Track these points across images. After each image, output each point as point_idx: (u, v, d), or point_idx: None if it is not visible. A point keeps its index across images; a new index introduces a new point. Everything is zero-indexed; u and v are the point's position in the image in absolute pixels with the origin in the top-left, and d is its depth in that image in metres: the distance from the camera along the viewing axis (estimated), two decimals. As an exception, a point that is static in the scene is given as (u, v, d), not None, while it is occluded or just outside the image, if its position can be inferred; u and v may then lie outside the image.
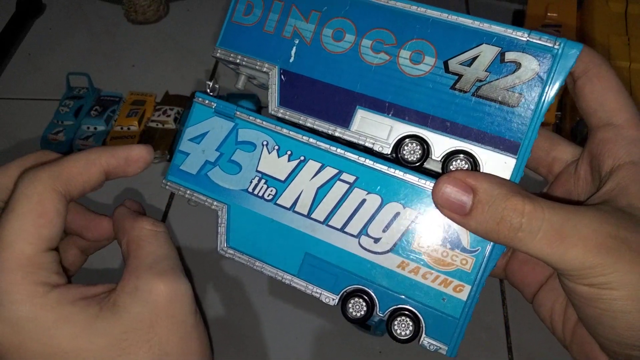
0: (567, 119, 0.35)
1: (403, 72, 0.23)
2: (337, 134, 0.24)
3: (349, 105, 0.24)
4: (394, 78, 0.23)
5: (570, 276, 0.19)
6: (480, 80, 0.22)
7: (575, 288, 0.20)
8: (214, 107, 0.26)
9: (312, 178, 0.24)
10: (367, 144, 0.23)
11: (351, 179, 0.23)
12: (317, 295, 0.24)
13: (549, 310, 0.25)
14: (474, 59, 0.22)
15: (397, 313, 0.23)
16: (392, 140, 0.23)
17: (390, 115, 0.23)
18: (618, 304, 0.19)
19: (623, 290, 0.18)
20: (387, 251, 0.23)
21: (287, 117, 0.25)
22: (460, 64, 0.22)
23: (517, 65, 0.22)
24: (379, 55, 0.24)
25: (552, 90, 0.21)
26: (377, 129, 0.23)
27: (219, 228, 0.25)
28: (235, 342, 0.34)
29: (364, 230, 0.23)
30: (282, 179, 0.24)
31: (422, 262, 0.22)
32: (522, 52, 0.22)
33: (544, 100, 0.21)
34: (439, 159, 0.22)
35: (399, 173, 0.23)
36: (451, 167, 0.22)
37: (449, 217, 0.21)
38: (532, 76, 0.21)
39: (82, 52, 0.54)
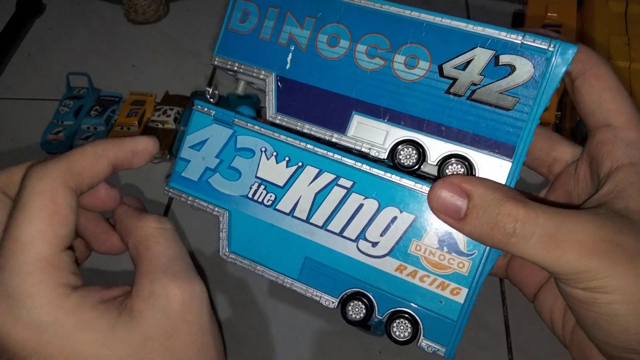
0: (567, 119, 0.35)
1: (398, 77, 0.23)
2: (334, 140, 0.24)
3: (345, 110, 0.24)
4: (389, 83, 0.23)
5: (566, 280, 0.20)
6: (475, 84, 0.22)
7: (571, 291, 0.20)
8: (213, 114, 0.26)
9: (310, 183, 0.24)
10: (363, 149, 0.24)
11: (348, 184, 0.24)
12: (317, 299, 0.24)
13: (549, 310, 0.25)
14: (468, 62, 0.22)
15: (395, 315, 0.23)
16: (388, 145, 0.23)
17: (386, 120, 0.23)
18: (613, 308, 0.19)
19: (617, 294, 0.18)
20: (385, 255, 0.23)
21: (284, 124, 0.25)
22: (454, 67, 0.22)
23: (512, 68, 0.22)
24: (373, 61, 0.24)
25: (547, 93, 0.21)
26: (373, 134, 0.24)
27: (221, 233, 0.25)
28: (236, 342, 0.35)
29: (362, 235, 0.23)
30: (281, 184, 0.25)
31: (419, 266, 0.23)
32: (517, 54, 0.22)
33: (539, 103, 0.21)
34: (435, 163, 0.23)
35: (395, 178, 0.23)
36: (447, 171, 0.22)
37: (444, 221, 0.21)
38: (527, 79, 0.21)
39: (82, 52, 0.54)
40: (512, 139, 0.22)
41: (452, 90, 0.22)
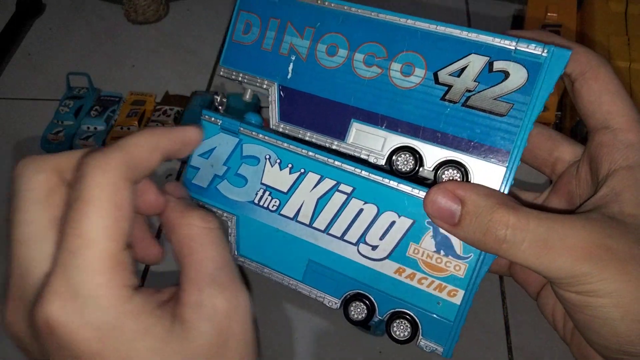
0: (567, 118, 0.34)
1: (395, 85, 0.24)
2: (334, 147, 0.25)
3: (344, 118, 0.25)
4: (386, 91, 0.24)
5: (559, 284, 0.20)
6: (470, 91, 0.22)
7: (564, 295, 0.20)
8: (219, 124, 0.27)
9: (312, 189, 0.25)
10: (362, 156, 0.24)
11: (349, 189, 0.24)
12: (321, 300, 0.25)
13: (551, 309, 0.25)
14: (463, 69, 0.22)
15: (395, 316, 0.24)
16: (386, 152, 0.24)
17: (383, 127, 0.24)
18: (604, 311, 0.19)
19: (608, 298, 0.19)
20: (385, 258, 0.24)
21: (287, 132, 0.26)
22: (449, 74, 0.23)
23: (506, 74, 0.22)
24: (371, 69, 0.24)
25: (541, 98, 0.21)
26: (372, 141, 0.24)
27: (230, 237, 0.27)
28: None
29: (362, 238, 0.24)
30: (285, 190, 0.26)
31: (417, 268, 0.23)
32: (510, 60, 0.22)
33: (533, 109, 0.21)
34: (431, 168, 0.23)
35: (393, 183, 0.24)
36: (443, 176, 0.23)
37: (439, 226, 0.22)
38: (521, 85, 0.22)
39: (82, 52, 0.54)
40: (506, 144, 0.22)
41: (447, 97, 0.23)
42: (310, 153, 0.25)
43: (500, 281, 0.33)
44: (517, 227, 0.19)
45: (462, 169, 0.23)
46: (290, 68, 0.26)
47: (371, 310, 0.24)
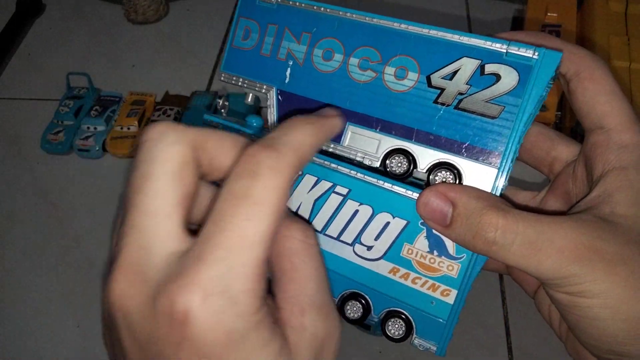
0: (567, 118, 0.34)
1: (388, 89, 0.24)
2: (330, 150, 0.25)
3: (340, 121, 0.25)
4: (381, 94, 0.24)
5: (549, 284, 0.20)
6: (462, 94, 0.23)
7: (555, 295, 0.20)
8: (219, 128, 0.28)
9: (309, 191, 0.26)
10: (357, 158, 0.25)
11: (344, 191, 0.25)
12: (318, 299, 0.26)
13: (547, 307, 0.25)
14: (455, 72, 0.23)
15: (390, 315, 0.24)
16: (380, 154, 0.24)
17: (378, 130, 0.24)
18: (593, 312, 0.19)
19: (597, 299, 0.19)
20: (379, 258, 0.24)
21: (285, 135, 0.27)
22: (442, 78, 0.23)
23: (497, 77, 0.22)
24: (365, 73, 0.25)
25: (532, 101, 0.22)
26: (367, 144, 0.25)
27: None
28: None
29: (357, 239, 0.25)
30: (283, 192, 0.26)
31: (411, 268, 0.24)
32: (502, 63, 0.22)
33: (524, 111, 0.22)
34: (425, 170, 0.24)
35: (387, 185, 0.24)
36: (436, 178, 0.23)
37: (432, 228, 0.23)
38: (512, 87, 0.22)
39: (82, 52, 0.54)
40: (497, 146, 0.22)
41: (440, 100, 0.23)
42: (307, 156, 0.26)
43: (500, 281, 0.33)
44: (506, 229, 0.20)
45: (455, 171, 0.23)
46: (288, 73, 0.27)
47: (366, 309, 0.25)
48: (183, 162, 0.18)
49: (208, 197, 0.20)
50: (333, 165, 0.25)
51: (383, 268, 0.24)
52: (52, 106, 0.49)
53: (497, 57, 0.22)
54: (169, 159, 0.18)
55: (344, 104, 0.25)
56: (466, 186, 0.22)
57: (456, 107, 0.23)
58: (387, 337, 0.24)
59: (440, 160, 0.23)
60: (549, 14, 0.36)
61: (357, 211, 0.25)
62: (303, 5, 0.26)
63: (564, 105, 0.35)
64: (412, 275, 0.24)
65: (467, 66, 0.23)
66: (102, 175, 0.46)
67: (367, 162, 0.25)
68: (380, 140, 0.24)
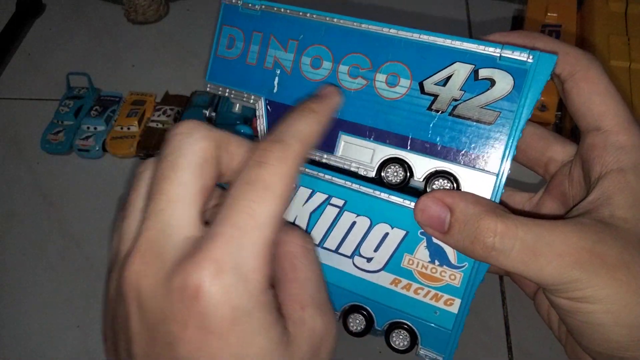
0: (567, 118, 0.34)
1: (380, 96, 0.24)
2: (323, 160, 0.25)
3: (333, 131, 0.25)
4: (373, 102, 0.24)
5: (550, 290, 0.20)
6: (456, 100, 0.22)
7: (556, 300, 0.20)
8: (209, 141, 0.27)
9: (304, 204, 0.25)
10: (352, 169, 0.24)
11: (340, 202, 0.24)
12: (319, 313, 0.25)
13: (546, 309, 0.25)
14: (448, 78, 0.22)
15: (394, 326, 0.24)
16: (375, 164, 0.24)
17: (371, 139, 0.24)
18: (595, 317, 0.19)
19: (599, 304, 0.19)
20: (380, 270, 0.24)
21: (276, 146, 0.26)
22: (435, 84, 0.22)
23: (492, 82, 0.22)
24: (356, 81, 0.24)
25: (528, 105, 0.21)
26: (361, 153, 0.24)
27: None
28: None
29: (356, 251, 0.24)
30: (278, 206, 0.26)
31: (413, 279, 0.23)
32: (496, 68, 0.21)
33: (521, 116, 0.21)
34: (422, 179, 0.23)
35: (384, 195, 0.24)
36: (433, 187, 0.23)
37: (430, 234, 0.22)
38: (507, 92, 0.21)
39: (82, 52, 0.54)
40: (494, 153, 0.22)
41: (433, 106, 0.23)
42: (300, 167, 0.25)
43: (500, 281, 0.33)
44: (505, 234, 0.19)
45: (452, 179, 0.22)
46: (275, 82, 0.26)
47: (369, 321, 0.25)
48: (207, 157, 0.19)
49: (216, 197, 0.22)
50: (327, 176, 0.25)
51: (384, 280, 0.24)
52: (52, 106, 0.49)
53: (490, 62, 0.21)
54: (196, 152, 0.19)
55: (335, 113, 0.24)
56: (463, 192, 0.22)
57: (451, 114, 0.22)
58: (392, 348, 0.24)
59: (437, 169, 0.23)
60: (549, 14, 0.35)
61: (354, 223, 0.24)
62: (288, 11, 0.25)
63: (564, 106, 0.35)
64: (414, 285, 0.23)
65: (461, 71, 0.22)
66: (102, 175, 0.45)
67: (362, 172, 0.24)
68: (374, 149, 0.24)
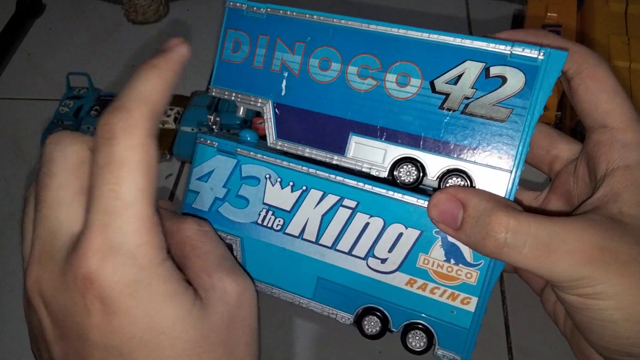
0: (567, 118, 0.35)
1: (391, 96, 0.24)
2: (334, 162, 0.25)
3: (343, 132, 0.24)
4: (383, 102, 0.24)
5: (560, 287, 0.20)
6: (468, 98, 0.22)
7: (566, 297, 0.20)
8: (216, 146, 0.27)
9: (315, 206, 0.25)
10: (364, 169, 0.24)
11: (353, 204, 0.24)
12: (334, 316, 0.25)
13: (552, 305, 0.25)
14: (459, 76, 0.22)
15: (410, 327, 0.24)
16: (388, 164, 0.24)
17: (383, 139, 0.24)
18: (606, 314, 0.19)
19: (610, 300, 0.19)
20: (395, 270, 0.24)
21: (285, 149, 0.26)
22: (446, 83, 0.23)
23: (503, 80, 0.22)
24: (366, 81, 0.24)
25: (540, 102, 0.21)
26: (372, 154, 0.24)
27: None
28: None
29: (370, 252, 0.24)
30: (288, 209, 0.25)
31: (428, 279, 0.23)
32: (507, 65, 0.22)
33: (533, 112, 0.21)
34: (435, 178, 0.23)
35: (397, 195, 0.24)
36: (447, 185, 0.23)
37: (443, 231, 0.22)
38: (519, 89, 0.22)
39: (82, 52, 0.54)
40: (508, 150, 0.22)
41: (445, 105, 0.23)
42: (310, 170, 0.25)
43: (501, 281, 0.33)
44: (517, 230, 0.19)
45: (466, 177, 0.22)
46: (283, 85, 0.26)
47: (385, 322, 0.24)
48: (82, 159, 0.20)
49: None
50: (339, 178, 0.24)
51: (399, 280, 0.24)
52: (52, 106, 0.48)
53: (501, 59, 0.22)
54: (67, 157, 0.20)
55: (345, 114, 0.24)
56: (476, 189, 0.22)
57: (463, 112, 0.22)
58: (408, 350, 0.24)
59: (451, 167, 0.23)
60: (549, 14, 0.36)
61: (367, 224, 0.24)
62: (294, 14, 0.25)
63: (564, 105, 0.35)
64: (430, 285, 0.23)
65: (471, 70, 0.22)
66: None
67: (374, 172, 0.24)
68: (386, 149, 0.24)
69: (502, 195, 0.22)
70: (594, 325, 0.20)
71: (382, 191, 0.24)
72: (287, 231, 0.25)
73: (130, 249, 0.18)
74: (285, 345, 0.31)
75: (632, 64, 0.33)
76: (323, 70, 0.25)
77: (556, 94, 0.36)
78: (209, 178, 0.27)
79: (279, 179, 0.26)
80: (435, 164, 0.23)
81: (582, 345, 0.23)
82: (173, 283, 0.19)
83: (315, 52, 0.25)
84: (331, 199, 0.25)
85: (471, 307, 0.23)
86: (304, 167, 0.25)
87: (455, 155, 0.23)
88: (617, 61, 0.33)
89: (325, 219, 0.25)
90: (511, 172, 0.22)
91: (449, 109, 0.23)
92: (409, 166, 0.23)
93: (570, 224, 0.20)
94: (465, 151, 0.22)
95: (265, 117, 0.26)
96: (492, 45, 0.22)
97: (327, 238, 0.25)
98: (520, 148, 0.22)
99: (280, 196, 0.25)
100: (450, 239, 0.23)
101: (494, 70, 0.22)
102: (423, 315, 0.24)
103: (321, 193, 0.25)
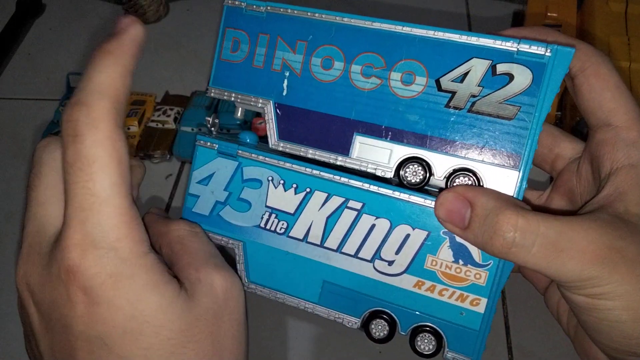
0: (567, 118, 0.35)
1: (396, 95, 0.23)
2: (338, 163, 0.24)
3: (347, 132, 0.24)
4: (388, 101, 0.23)
5: (568, 287, 0.20)
6: (474, 96, 0.22)
7: (573, 297, 0.20)
8: (216, 148, 0.26)
9: (320, 208, 0.24)
10: (369, 170, 0.24)
11: (358, 205, 0.24)
12: (340, 321, 0.25)
13: (555, 304, 0.25)
14: (466, 74, 0.22)
15: (418, 330, 0.24)
16: (393, 164, 0.23)
17: (388, 139, 0.23)
18: (614, 314, 0.19)
19: (618, 300, 0.19)
20: (402, 272, 0.23)
21: (288, 150, 0.25)
22: (452, 81, 0.22)
23: (510, 77, 0.21)
24: (370, 80, 0.24)
25: (548, 99, 0.21)
26: (377, 154, 0.24)
27: (238, 265, 0.26)
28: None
29: (377, 255, 0.24)
30: (292, 211, 0.25)
31: (437, 280, 0.23)
32: (513, 62, 0.21)
33: (541, 110, 0.21)
34: (442, 178, 0.23)
35: (404, 195, 0.23)
36: (455, 185, 0.22)
37: (451, 231, 0.22)
38: (526, 87, 0.21)
39: (82, 52, 0.54)
40: (516, 148, 0.22)
41: (451, 103, 0.22)
42: (314, 171, 0.24)
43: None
44: (526, 229, 0.19)
45: (474, 176, 0.22)
46: (284, 84, 0.25)
47: (392, 326, 0.24)
48: None
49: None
50: (343, 179, 0.24)
51: (407, 282, 0.23)
52: (52, 106, 0.48)
53: (508, 57, 0.21)
54: (55, 159, 0.20)
55: (349, 113, 0.24)
56: (485, 188, 0.22)
57: (470, 110, 0.22)
58: (417, 353, 0.23)
59: (458, 166, 0.22)
60: (549, 13, 0.36)
61: (373, 225, 0.24)
62: (295, 12, 0.25)
63: (564, 105, 0.35)
64: (439, 287, 0.23)
65: (478, 67, 0.22)
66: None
67: (379, 173, 0.24)
68: (391, 149, 0.23)
69: (511, 194, 0.22)
70: (602, 326, 0.20)
71: (388, 192, 0.23)
72: (291, 234, 0.25)
73: (110, 243, 0.18)
74: (284, 347, 0.30)
75: (632, 64, 0.33)
76: (326, 69, 0.24)
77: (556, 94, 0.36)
78: (210, 181, 0.26)
79: (281, 181, 0.25)
80: (442, 164, 0.23)
81: (585, 344, 0.23)
82: (156, 274, 0.19)
83: (317, 50, 0.24)
84: (336, 201, 0.24)
85: (481, 308, 0.23)
86: (307, 169, 0.25)
87: (463, 154, 0.22)
88: (617, 61, 0.33)
89: (330, 221, 0.24)
90: (519, 170, 0.22)
91: (455, 108, 0.22)
92: (415, 166, 0.23)
93: (578, 223, 0.19)
94: (472, 150, 0.22)
95: (266, 118, 0.25)
96: (498, 42, 0.21)
97: (333, 241, 0.24)
98: (528, 146, 0.21)
99: (284, 199, 0.25)
100: (458, 239, 0.22)
101: (501, 68, 0.21)
102: (432, 317, 0.23)
103: (325, 195, 0.24)
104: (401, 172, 0.23)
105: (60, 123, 0.19)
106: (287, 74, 0.25)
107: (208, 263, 0.22)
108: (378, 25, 0.23)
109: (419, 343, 0.23)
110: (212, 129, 0.28)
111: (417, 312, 0.23)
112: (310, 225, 0.25)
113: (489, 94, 0.22)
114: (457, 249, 0.23)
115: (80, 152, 0.18)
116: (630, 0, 0.36)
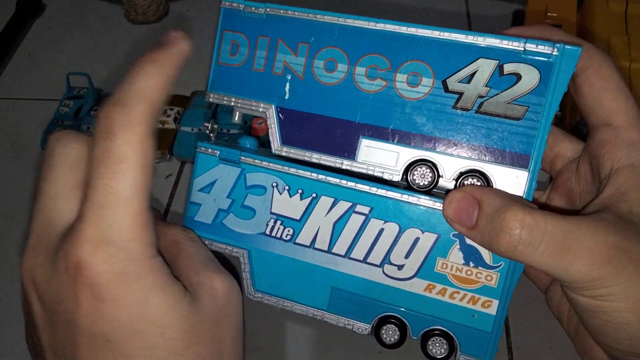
0: (567, 118, 0.35)
1: (402, 97, 0.23)
2: (344, 167, 0.24)
3: (352, 136, 0.24)
4: (394, 104, 0.23)
5: (573, 288, 0.20)
6: (482, 96, 0.22)
7: (577, 299, 0.20)
8: (217, 154, 0.25)
9: (327, 214, 0.24)
10: (376, 174, 0.23)
11: (366, 210, 0.23)
12: (350, 327, 0.24)
13: (556, 303, 0.25)
14: (473, 75, 0.22)
15: (430, 334, 0.23)
16: (401, 167, 0.23)
17: (395, 141, 0.23)
18: (619, 316, 0.19)
19: (624, 302, 0.19)
20: (412, 276, 0.23)
21: (291, 155, 0.25)
22: (459, 81, 0.22)
23: (517, 77, 0.21)
24: (375, 82, 0.23)
25: (556, 98, 0.21)
26: (384, 157, 0.23)
27: (243, 273, 0.25)
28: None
29: (386, 259, 0.23)
30: (298, 218, 0.24)
31: (447, 283, 0.23)
32: (521, 62, 0.21)
33: (550, 109, 0.21)
34: (451, 180, 0.22)
35: (412, 199, 0.23)
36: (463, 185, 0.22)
37: (459, 231, 0.22)
38: (534, 86, 0.21)
39: (82, 52, 0.54)
40: (525, 148, 0.21)
41: (459, 104, 0.22)
42: (320, 176, 0.24)
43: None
44: (533, 227, 0.19)
45: (483, 178, 0.22)
46: (287, 88, 0.24)
47: (403, 330, 0.24)
48: (80, 156, 0.20)
49: None
50: (350, 183, 0.24)
51: (417, 286, 0.23)
52: (52, 106, 0.48)
53: (515, 56, 0.21)
54: (67, 153, 0.21)
55: (354, 116, 0.24)
56: (493, 188, 0.21)
57: (477, 111, 0.22)
58: (430, 358, 0.23)
59: (468, 168, 0.22)
60: (549, 13, 0.36)
61: (382, 230, 0.23)
62: (296, 13, 0.24)
63: (564, 105, 0.35)
64: (450, 290, 0.23)
65: (485, 67, 0.22)
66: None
67: (386, 176, 0.23)
68: (398, 152, 0.23)
69: (520, 194, 0.22)
70: (608, 328, 0.20)
71: (397, 195, 0.23)
72: (297, 241, 0.24)
73: (122, 243, 0.19)
74: (283, 347, 0.30)
75: (632, 64, 0.34)
76: (329, 72, 0.24)
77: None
78: (212, 189, 0.26)
79: (286, 187, 0.24)
80: (450, 166, 0.22)
81: (586, 344, 0.23)
82: (163, 276, 0.20)
83: (320, 52, 0.24)
84: (343, 206, 0.24)
85: (492, 310, 0.22)
86: (312, 174, 0.24)
87: (471, 156, 0.22)
88: (617, 61, 0.33)
89: (338, 227, 0.24)
90: (529, 170, 0.21)
91: (462, 109, 0.22)
92: (423, 168, 0.23)
93: (585, 223, 0.19)
94: (481, 151, 0.22)
95: (268, 123, 0.25)
96: (504, 42, 0.21)
97: (340, 246, 0.24)
98: (537, 146, 0.21)
99: (289, 205, 0.24)
100: (468, 241, 0.22)
101: (508, 68, 0.21)
102: (443, 321, 0.23)
103: (332, 200, 0.24)
104: (409, 175, 0.23)
105: (95, 120, 0.19)
106: (289, 77, 0.24)
107: (207, 267, 0.22)
108: (382, 26, 0.23)
109: (431, 347, 0.23)
110: (211, 134, 0.27)
111: (428, 316, 0.23)
112: (317, 231, 0.24)
113: (496, 94, 0.22)
114: (467, 251, 0.22)
115: (111, 150, 0.18)
116: (630, 0, 0.36)
